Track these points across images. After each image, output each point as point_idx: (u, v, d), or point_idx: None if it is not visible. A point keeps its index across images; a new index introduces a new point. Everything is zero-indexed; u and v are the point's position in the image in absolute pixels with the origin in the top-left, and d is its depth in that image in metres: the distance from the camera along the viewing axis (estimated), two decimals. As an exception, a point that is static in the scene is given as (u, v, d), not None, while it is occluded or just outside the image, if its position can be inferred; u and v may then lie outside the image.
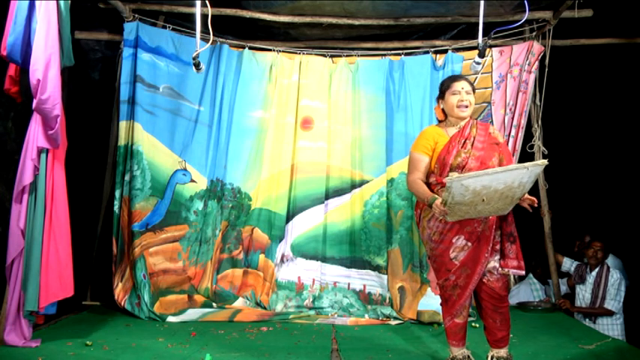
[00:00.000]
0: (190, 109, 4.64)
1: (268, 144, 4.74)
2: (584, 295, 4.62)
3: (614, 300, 4.42)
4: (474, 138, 2.88)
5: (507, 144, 4.63)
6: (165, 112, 4.56)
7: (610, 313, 4.42)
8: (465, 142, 2.87)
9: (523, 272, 2.92)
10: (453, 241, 2.84)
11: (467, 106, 2.88)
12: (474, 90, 2.95)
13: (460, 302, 2.87)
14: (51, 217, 3.26)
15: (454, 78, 2.99)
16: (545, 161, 2.63)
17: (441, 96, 2.98)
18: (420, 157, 2.94)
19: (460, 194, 2.56)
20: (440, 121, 3.07)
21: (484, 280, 2.88)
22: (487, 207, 2.66)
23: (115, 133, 4.63)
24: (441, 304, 3.00)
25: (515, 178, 2.56)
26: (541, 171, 2.62)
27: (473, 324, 4.15)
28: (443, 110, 2.99)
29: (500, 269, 2.88)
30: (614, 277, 4.48)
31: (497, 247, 2.89)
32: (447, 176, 2.60)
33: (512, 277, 5.74)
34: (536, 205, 2.73)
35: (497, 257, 2.89)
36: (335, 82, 4.80)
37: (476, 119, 3.07)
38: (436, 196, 2.76)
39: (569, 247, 5.18)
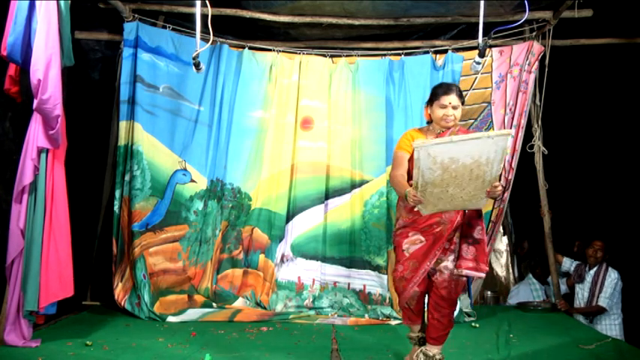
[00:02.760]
0: (190, 109, 4.64)
1: (268, 144, 4.74)
2: (583, 294, 4.63)
3: (608, 299, 4.43)
4: None
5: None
6: (166, 112, 4.56)
7: (601, 310, 4.43)
8: None
9: (482, 274, 2.91)
10: (409, 235, 2.90)
11: (452, 120, 2.92)
12: (462, 102, 2.97)
13: (405, 295, 2.91)
14: (51, 217, 3.26)
15: (445, 90, 2.95)
16: (510, 131, 2.58)
17: (430, 103, 3.00)
18: (402, 154, 2.97)
19: (429, 169, 2.52)
20: (428, 122, 3.08)
21: (432, 278, 2.91)
22: (461, 193, 2.60)
23: (115, 133, 4.63)
24: None
25: (482, 150, 2.49)
26: (507, 145, 2.56)
27: (473, 324, 4.15)
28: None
29: (455, 270, 2.88)
30: (612, 276, 4.49)
31: (454, 247, 2.89)
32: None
33: (511, 277, 5.78)
34: (499, 189, 2.64)
35: (451, 257, 2.89)
36: (335, 82, 4.80)
37: (459, 127, 3.07)
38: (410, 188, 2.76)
39: (569, 247, 5.19)
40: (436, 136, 2.92)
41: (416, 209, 2.76)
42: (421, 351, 2.96)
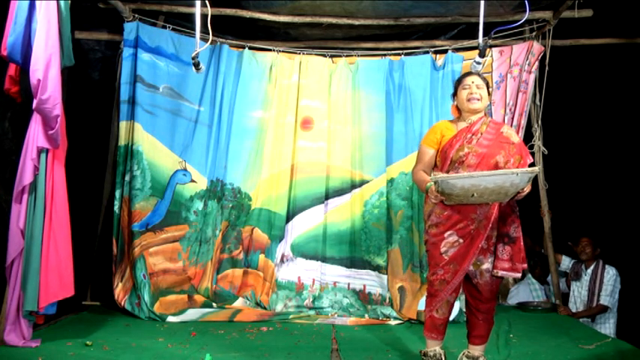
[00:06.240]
0: (190, 109, 4.64)
1: (268, 144, 4.74)
2: (580, 292, 4.63)
3: (609, 296, 4.43)
4: (481, 134, 2.86)
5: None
6: (166, 112, 4.56)
7: (605, 309, 4.43)
8: (471, 137, 2.86)
9: (518, 275, 2.88)
10: (445, 235, 2.83)
11: (478, 99, 2.88)
12: (487, 85, 2.95)
13: (441, 297, 2.84)
14: (51, 217, 3.26)
15: (465, 74, 3.02)
16: (537, 169, 2.65)
17: (455, 92, 3.00)
18: (425, 149, 2.98)
19: (448, 188, 2.61)
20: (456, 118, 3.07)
21: (474, 281, 2.87)
22: (481, 199, 2.67)
23: (115, 134, 4.63)
24: (426, 297, 2.99)
25: (505, 181, 2.56)
26: (537, 172, 2.65)
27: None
28: (457, 108, 3.00)
29: (493, 272, 2.84)
30: (610, 273, 4.50)
31: (492, 247, 2.84)
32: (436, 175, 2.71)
33: (511, 278, 5.76)
34: (524, 194, 2.74)
35: (491, 259, 2.84)
36: (335, 82, 4.80)
37: (490, 117, 3.05)
38: (432, 184, 2.79)
39: (569, 247, 5.18)
40: (468, 125, 2.91)
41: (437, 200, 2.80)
42: (464, 354, 2.95)
